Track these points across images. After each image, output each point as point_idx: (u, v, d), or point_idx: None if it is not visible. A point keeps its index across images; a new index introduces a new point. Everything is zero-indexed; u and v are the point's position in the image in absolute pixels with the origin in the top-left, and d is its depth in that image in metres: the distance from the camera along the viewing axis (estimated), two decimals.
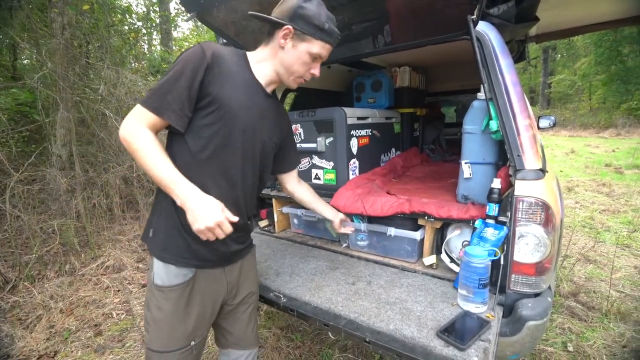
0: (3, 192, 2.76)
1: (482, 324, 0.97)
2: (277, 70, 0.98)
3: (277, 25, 0.94)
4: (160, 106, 0.83)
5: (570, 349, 1.81)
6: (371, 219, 1.51)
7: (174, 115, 0.84)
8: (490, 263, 1.04)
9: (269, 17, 0.94)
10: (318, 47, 0.95)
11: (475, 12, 1.11)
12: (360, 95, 2.33)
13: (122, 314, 2.33)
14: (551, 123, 3.94)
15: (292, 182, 1.28)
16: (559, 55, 21.66)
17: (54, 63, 3.35)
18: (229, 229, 0.82)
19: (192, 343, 0.99)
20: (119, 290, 2.60)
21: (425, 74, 2.62)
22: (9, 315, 2.24)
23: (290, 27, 0.92)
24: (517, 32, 1.53)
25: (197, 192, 0.82)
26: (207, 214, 0.79)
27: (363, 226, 1.51)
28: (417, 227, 1.44)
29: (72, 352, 1.95)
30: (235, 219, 0.84)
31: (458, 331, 0.94)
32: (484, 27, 1.24)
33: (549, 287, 1.17)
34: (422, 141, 2.73)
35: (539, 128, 3.91)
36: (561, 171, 6.44)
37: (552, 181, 1.28)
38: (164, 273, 0.93)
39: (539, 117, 4.00)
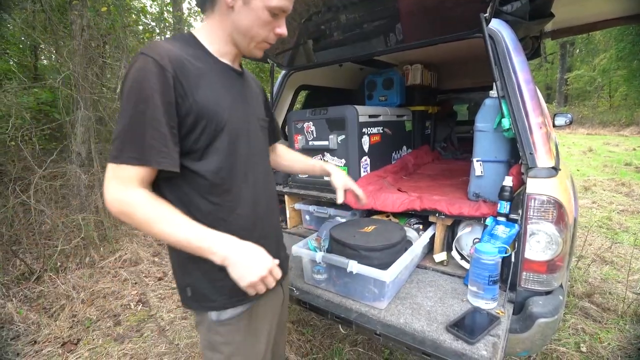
0: (28, 188, 2.89)
1: (492, 319, 0.98)
2: (234, 40, 0.77)
3: None
4: (142, 154, 0.65)
5: (584, 349, 1.79)
6: (332, 249, 1.24)
7: (163, 158, 0.66)
8: (500, 260, 1.05)
9: None
10: (278, 0, 0.72)
11: (488, 10, 1.11)
12: (371, 93, 2.34)
13: (139, 305, 2.41)
14: (567, 121, 3.86)
15: (279, 151, 1.15)
16: (578, 51, 20.99)
17: (74, 63, 3.47)
18: (279, 273, 0.71)
19: None
20: (136, 283, 2.69)
21: (437, 71, 2.61)
22: (35, 304, 2.36)
23: None
24: (532, 29, 1.52)
25: (234, 242, 0.69)
26: (256, 265, 0.67)
27: (319, 256, 1.19)
28: (388, 260, 1.10)
29: (93, 340, 2.04)
30: (277, 261, 0.72)
31: (467, 326, 0.96)
32: (497, 25, 1.24)
33: (561, 286, 1.17)
34: (433, 139, 2.72)
35: (554, 126, 3.85)
36: (578, 170, 6.28)
37: (566, 179, 1.27)
38: (224, 312, 0.80)
39: (554, 115, 3.93)
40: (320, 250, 1.24)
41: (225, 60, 0.79)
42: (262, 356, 0.87)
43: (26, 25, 4.12)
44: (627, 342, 1.84)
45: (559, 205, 1.04)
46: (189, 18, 7.50)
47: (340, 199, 1.09)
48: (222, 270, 0.69)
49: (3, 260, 2.64)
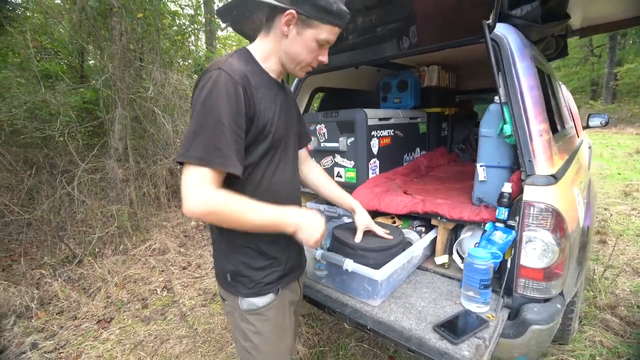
0: (72, 180, 3.20)
1: (480, 322, 1.01)
2: (282, 61, 0.88)
3: (277, 10, 0.81)
4: (206, 155, 0.72)
5: None
6: (333, 249, 1.31)
7: (226, 160, 0.74)
8: (492, 265, 1.06)
9: (268, 0, 0.79)
10: (326, 33, 0.83)
11: (491, 17, 1.12)
12: (386, 95, 2.36)
13: (164, 291, 2.62)
14: (603, 122, 3.64)
15: (303, 161, 1.19)
16: (631, 42, 19.19)
17: (113, 66, 3.77)
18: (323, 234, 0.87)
19: (292, 357, 1.00)
20: (162, 271, 2.92)
21: (456, 72, 2.57)
22: (76, 284, 2.64)
23: (293, 11, 0.79)
24: (546, 31, 1.48)
25: (300, 211, 0.84)
26: (317, 225, 0.84)
27: (318, 254, 1.28)
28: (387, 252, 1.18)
29: (123, 319, 2.26)
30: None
31: (454, 327, 0.99)
32: (503, 30, 1.23)
33: (561, 294, 1.16)
34: (450, 141, 2.69)
35: (588, 127, 3.62)
36: (619, 174, 5.84)
37: (573, 187, 1.25)
38: (253, 301, 0.91)
39: (589, 116, 3.70)
40: (321, 248, 1.31)
41: (273, 75, 0.90)
42: (289, 348, 0.97)
43: (74, 31, 4.52)
44: None
45: (556, 214, 1.04)
46: (217, 19, 7.80)
47: (358, 239, 1.20)
48: (262, 260, 0.89)
49: (51, 244, 2.97)
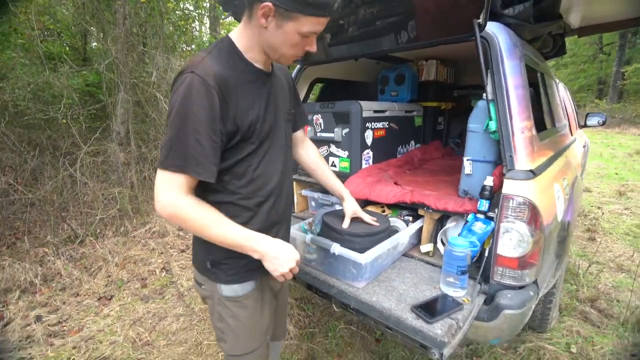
0: (75, 162, 3.27)
1: (455, 305, 1.08)
2: (266, 52, 0.83)
3: (253, 0, 0.74)
4: (184, 163, 0.73)
5: (574, 350, 1.82)
6: (322, 233, 1.37)
7: (202, 169, 0.75)
8: (470, 253, 1.13)
9: None
10: (310, 25, 0.75)
11: (481, 16, 1.16)
12: (384, 88, 2.40)
13: (163, 272, 2.71)
14: (600, 121, 3.67)
15: (299, 143, 1.20)
16: None
17: (116, 50, 3.79)
18: (298, 263, 0.87)
19: (267, 337, 1.03)
20: (161, 253, 3.01)
21: (454, 67, 2.60)
22: (78, 263, 2.73)
23: (269, 3, 0.71)
24: (539, 31, 1.52)
25: (270, 242, 0.84)
26: (286, 259, 0.83)
27: (308, 238, 1.33)
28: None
29: (123, 297, 2.36)
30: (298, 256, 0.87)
31: (430, 308, 1.06)
32: (494, 29, 1.27)
33: (535, 282, 1.23)
34: (446, 135, 2.73)
35: (585, 126, 3.66)
36: (616, 174, 5.88)
37: (552, 183, 1.31)
38: (234, 288, 0.92)
39: (587, 115, 3.73)
40: (311, 233, 1.38)
41: (258, 65, 0.85)
42: (265, 330, 1.00)
43: (77, 13, 4.52)
44: (623, 349, 1.84)
45: (532, 207, 1.10)
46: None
47: (345, 225, 1.25)
48: (232, 253, 0.85)
49: (54, 224, 3.05)
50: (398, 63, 2.41)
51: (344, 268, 1.24)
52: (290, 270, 0.84)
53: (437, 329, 0.99)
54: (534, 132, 1.25)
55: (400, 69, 2.28)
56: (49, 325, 2.04)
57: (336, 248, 1.21)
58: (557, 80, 2.98)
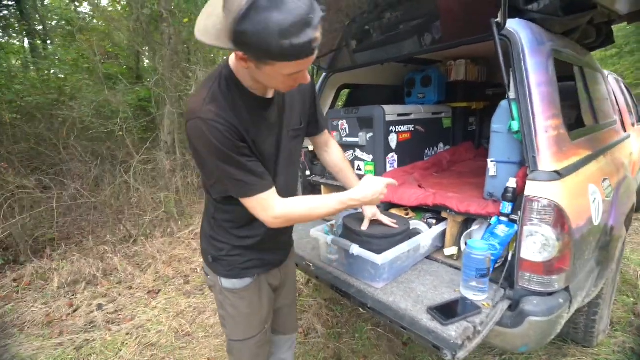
0: (129, 170, 3.65)
1: (473, 308, 1.07)
2: (265, 84, 0.83)
3: None
4: (256, 187, 0.84)
5: None
6: (343, 234, 1.41)
7: (267, 179, 0.86)
8: (489, 256, 1.11)
9: (209, 43, 0.69)
10: (289, 69, 0.71)
11: (499, 15, 1.14)
12: (410, 91, 2.39)
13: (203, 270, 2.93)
14: None
15: (324, 145, 1.24)
16: None
17: (163, 67, 4.18)
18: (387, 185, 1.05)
19: (266, 326, 1.09)
20: None
21: (486, 64, 2.50)
22: (132, 260, 3.05)
23: (239, 52, 0.69)
24: (573, 23, 1.44)
25: (359, 193, 0.98)
26: (374, 194, 1.00)
27: (329, 239, 1.40)
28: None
29: (169, 292, 2.59)
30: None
31: (447, 310, 1.06)
32: (515, 26, 1.24)
33: (567, 290, 1.17)
34: (479, 135, 2.63)
35: None
36: None
37: (586, 184, 1.24)
38: (232, 282, 1.00)
39: None
40: (333, 235, 1.44)
41: (258, 92, 0.85)
42: (264, 319, 1.07)
43: (131, 36, 5.05)
44: None
45: (557, 209, 1.05)
46: None
47: (364, 227, 1.29)
48: (242, 249, 0.98)
49: (112, 225, 3.44)
50: (425, 65, 2.39)
51: (362, 268, 1.28)
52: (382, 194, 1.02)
53: (452, 330, 0.99)
54: (562, 130, 1.19)
55: (426, 71, 2.26)
56: (107, 313, 2.32)
57: (355, 249, 1.25)
58: (607, 73, 2.73)
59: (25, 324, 2.23)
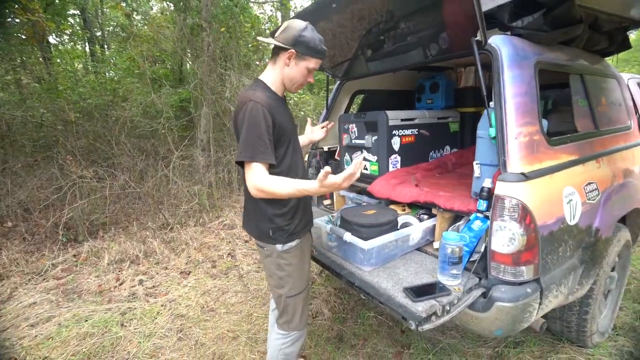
0: (169, 164, 4.10)
1: (442, 290, 1.23)
2: (285, 83, 1.30)
3: (282, 49, 1.22)
4: (253, 155, 1.14)
5: None
6: (340, 225, 1.62)
7: (265, 156, 1.16)
8: (461, 246, 1.26)
9: (277, 42, 1.21)
10: (314, 64, 1.25)
11: (478, 35, 1.29)
12: (420, 96, 2.52)
13: (229, 257, 3.25)
14: None
15: None
16: None
17: (201, 72, 4.61)
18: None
19: (309, 284, 1.43)
20: (229, 242, 3.58)
21: None
22: (168, 245, 3.45)
23: (293, 50, 1.20)
24: (562, 36, 1.52)
25: (315, 189, 1.13)
26: (329, 189, 1.17)
27: (328, 228, 1.62)
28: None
29: (198, 274, 2.94)
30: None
31: (420, 291, 1.23)
32: (497, 42, 1.38)
33: (537, 281, 1.28)
34: None
35: None
36: None
37: (562, 185, 1.34)
38: (287, 244, 1.32)
39: None
40: (332, 224, 1.65)
41: (279, 93, 1.32)
42: (308, 274, 1.42)
43: (175, 42, 5.57)
44: None
45: (523, 207, 1.19)
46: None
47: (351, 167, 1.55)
48: (295, 221, 1.31)
49: (153, 213, 3.89)
50: (436, 72, 2.51)
51: (354, 253, 1.48)
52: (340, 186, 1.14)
53: (419, 306, 1.16)
54: (537, 136, 1.31)
55: (435, 78, 2.39)
56: (146, 287, 2.70)
57: (347, 236, 1.46)
58: (628, 77, 2.66)
59: (82, 291, 2.67)
